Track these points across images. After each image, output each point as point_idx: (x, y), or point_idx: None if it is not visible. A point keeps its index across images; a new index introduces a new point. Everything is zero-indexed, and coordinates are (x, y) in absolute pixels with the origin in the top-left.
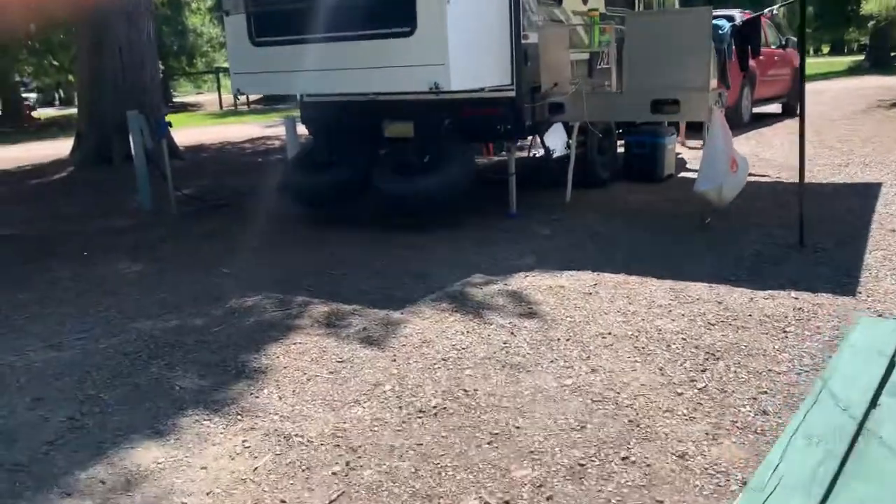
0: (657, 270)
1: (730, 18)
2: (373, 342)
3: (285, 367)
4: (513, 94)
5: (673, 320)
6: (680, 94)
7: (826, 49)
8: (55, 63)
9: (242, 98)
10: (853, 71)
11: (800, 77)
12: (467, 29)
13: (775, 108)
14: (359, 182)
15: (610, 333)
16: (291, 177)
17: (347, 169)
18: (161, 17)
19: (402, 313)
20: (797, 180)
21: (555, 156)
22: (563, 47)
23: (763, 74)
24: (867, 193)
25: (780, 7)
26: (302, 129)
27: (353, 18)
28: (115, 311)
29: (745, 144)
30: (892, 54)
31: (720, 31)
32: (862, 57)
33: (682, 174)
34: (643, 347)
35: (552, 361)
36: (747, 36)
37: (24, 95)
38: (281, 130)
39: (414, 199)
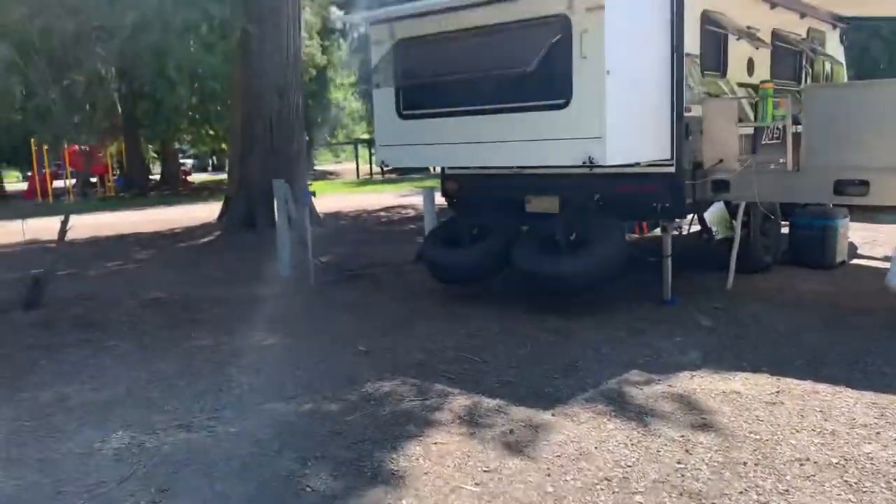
0: (851, 379)
1: None
2: (522, 449)
3: (426, 474)
4: (672, 169)
5: (885, 447)
6: (870, 175)
7: None
8: (211, 132)
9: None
10: None
11: None
12: (626, 100)
13: None
14: (499, 259)
15: (808, 459)
16: (430, 251)
17: (487, 245)
18: (307, 91)
19: (552, 414)
20: None
21: (717, 238)
22: (730, 121)
23: None
24: None
25: None
26: (440, 200)
27: (502, 91)
28: (248, 390)
29: None
30: None
31: None
32: None
33: (855, 261)
34: (855, 483)
35: (742, 493)
36: None
37: (181, 161)
38: (415, 199)
39: (556, 279)
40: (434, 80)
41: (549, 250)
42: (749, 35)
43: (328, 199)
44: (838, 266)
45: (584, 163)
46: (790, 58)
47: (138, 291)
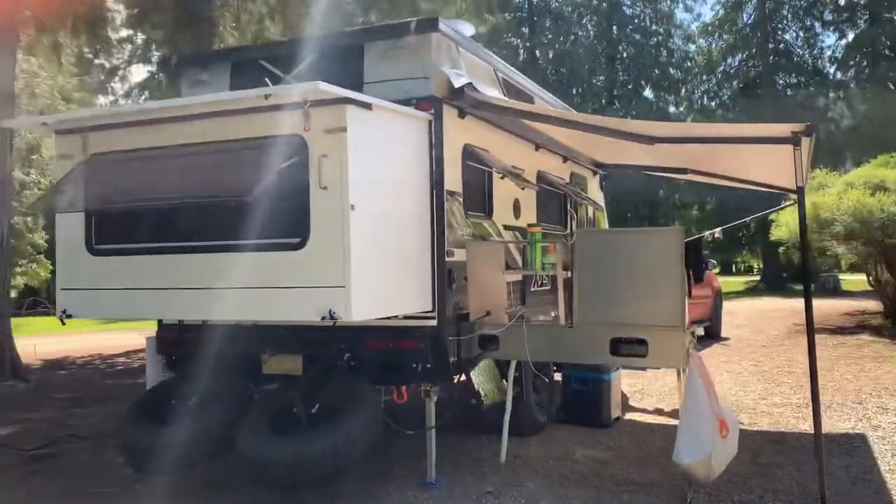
0: None
1: None
2: None
3: None
4: (434, 322)
5: None
6: (647, 333)
7: (717, 269)
8: None
9: None
10: (751, 291)
11: (806, 311)
12: (376, 241)
13: (698, 330)
14: (220, 441)
15: None
16: (126, 430)
17: (205, 421)
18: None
19: None
20: (759, 426)
21: (485, 403)
22: (497, 267)
23: (689, 296)
24: (856, 450)
25: (723, 229)
26: None
27: (224, 225)
28: None
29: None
30: (784, 275)
31: None
32: (754, 277)
33: (629, 415)
34: None
35: None
36: (689, 258)
37: None
38: None
39: (291, 468)
40: (138, 207)
41: (283, 428)
42: (514, 175)
43: (56, 340)
44: (613, 423)
45: (323, 318)
46: (555, 201)
47: None
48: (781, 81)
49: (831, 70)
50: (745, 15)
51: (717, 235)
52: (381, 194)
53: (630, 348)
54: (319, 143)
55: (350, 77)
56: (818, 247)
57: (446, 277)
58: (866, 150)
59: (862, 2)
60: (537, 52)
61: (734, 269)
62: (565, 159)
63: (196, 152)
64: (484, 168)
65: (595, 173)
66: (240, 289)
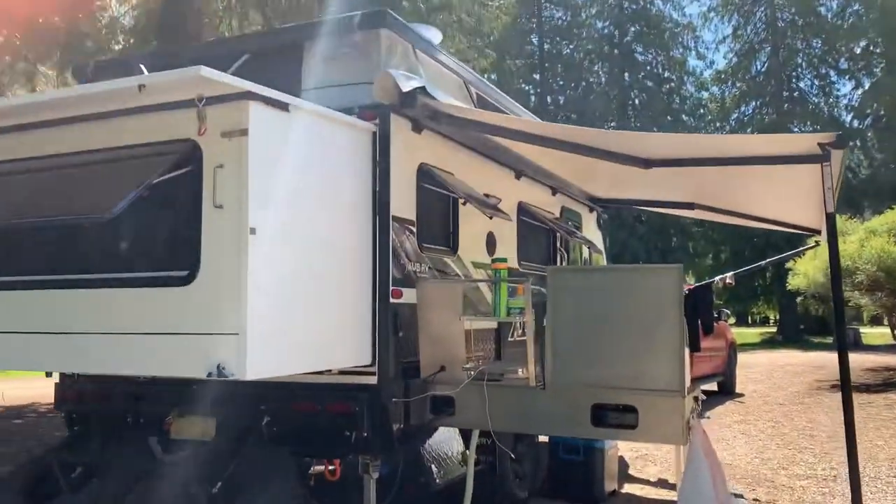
0: None
1: None
2: None
3: None
4: (374, 380)
5: None
6: (638, 399)
7: (732, 320)
8: None
9: None
10: (768, 343)
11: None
12: (287, 275)
13: (710, 385)
14: None
15: None
16: None
17: (87, 499)
18: None
19: None
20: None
21: (438, 481)
22: (454, 312)
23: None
24: None
25: (734, 275)
26: None
27: (94, 253)
28: None
29: None
30: (801, 327)
31: None
32: (770, 328)
33: (628, 486)
34: None
35: None
36: (696, 307)
37: None
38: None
39: None
40: None
41: None
42: (484, 203)
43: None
44: (609, 497)
45: (209, 374)
46: (542, 238)
47: None
48: (796, 129)
49: (847, 118)
50: (758, 63)
51: (728, 281)
52: (298, 217)
53: (616, 417)
54: (215, 149)
55: (286, 82)
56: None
57: (391, 323)
58: (885, 199)
59: (878, 50)
60: (548, 98)
61: (749, 320)
62: (555, 191)
63: (59, 165)
64: (447, 193)
65: (592, 210)
66: (111, 334)
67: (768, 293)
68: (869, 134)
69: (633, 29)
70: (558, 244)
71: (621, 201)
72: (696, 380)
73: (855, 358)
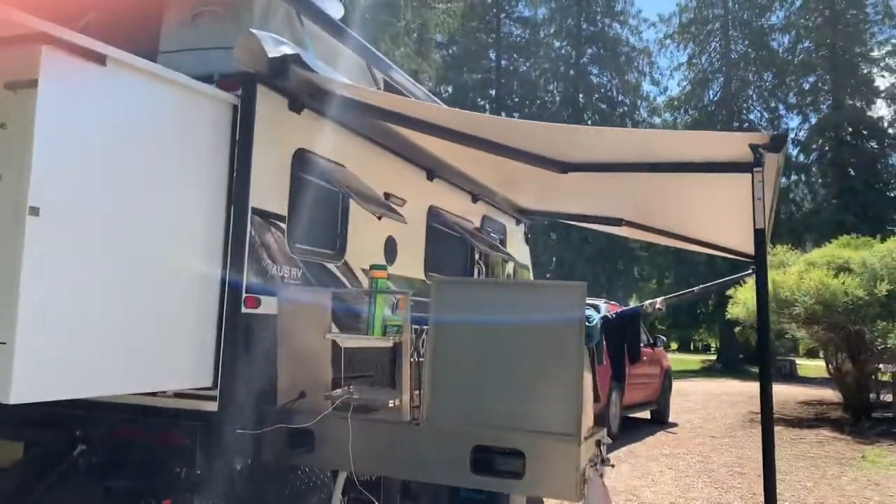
0: None
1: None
2: None
3: None
4: (214, 406)
5: None
6: (527, 442)
7: (675, 346)
8: None
9: None
10: (707, 371)
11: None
12: (89, 272)
13: (644, 413)
14: None
15: None
16: None
17: None
18: None
19: None
20: None
21: None
22: (319, 327)
23: (633, 376)
24: None
25: (665, 300)
26: None
27: None
28: None
29: (617, 473)
30: (741, 356)
31: (588, 323)
32: (711, 356)
33: None
34: None
35: None
36: (623, 333)
37: None
38: None
39: None
40: None
41: None
42: (369, 200)
43: None
44: None
45: None
46: (456, 249)
47: None
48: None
49: (794, 152)
50: (710, 92)
51: (658, 307)
52: (110, 200)
53: (501, 463)
54: None
55: (143, 44)
56: (776, 328)
57: (241, 338)
58: (826, 234)
59: (826, 87)
60: (503, 114)
61: (692, 347)
62: (475, 198)
63: None
64: (331, 187)
65: (519, 222)
66: None
67: (710, 321)
68: (814, 169)
69: (589, 50)
70: (476, 257)
71: (549, 214)
72: (627, 407)
73: (790, 390)
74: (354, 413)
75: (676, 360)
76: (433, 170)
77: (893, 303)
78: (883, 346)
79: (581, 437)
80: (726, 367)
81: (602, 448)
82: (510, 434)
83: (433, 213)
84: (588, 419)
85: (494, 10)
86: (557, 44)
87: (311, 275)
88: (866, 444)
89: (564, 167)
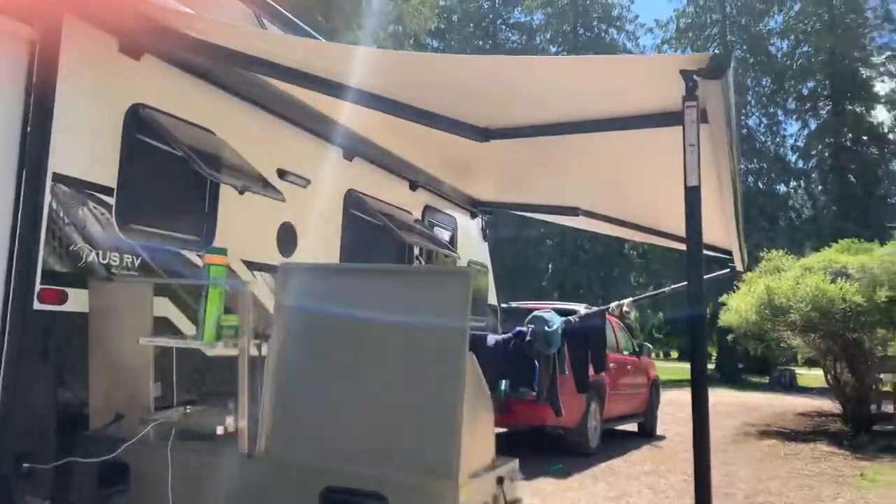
0: None
1: (568, 314)
2: None
3: None
4: None
5: None
6: (389, 483)
7: (675, 354)
8: None
9: None
10: None
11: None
12: None
13: (630, 426)
14: None
15: None
16: None
17: None
18: None
19: None
20: None
21: None
22: (137, 329)
23: (615, 387)
24: None
25: (636, 300)
26: None
27: None
28: None
29: (590, 493)
30: (740, 366)
31: (547, 329)
32: (710, 366)
33: None
34: None
35: None
36: (587, 338)
37: None
38: None
39: None
40: None
41: None
42: (250, 176)
43: None
44: None
45: None
46: (386, 243)
47: None
48: (742, 167)
49: (793, 158)
50: None
51: (625, 309)
52: None
53: None
54: None
55: None
56: (773, 337)
57: (35, 342)
58: (826, 240)
59: (825, 92)
60: None
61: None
62: (415, 186)
63: None
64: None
65: (474, 215)
66: None
67: (709, 329)
68: (813, 175)
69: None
70: (416, 253)
71: (505, 205)
72: (610, 420)
73: (789, 400)
74: (178, 441)
75: (674, 368)
76: (352, 147)
77: (893, 309)
78: (883, 355)
79: (460, 476)
80: (724, 376)
81: (501, 489)
82: (371, 472)
83: (353, 199)
84: (484, 451)
85: (491, 16)
86: (554, 49)
87: (160, 264)
88: (865, 459)
89: (486, 134)
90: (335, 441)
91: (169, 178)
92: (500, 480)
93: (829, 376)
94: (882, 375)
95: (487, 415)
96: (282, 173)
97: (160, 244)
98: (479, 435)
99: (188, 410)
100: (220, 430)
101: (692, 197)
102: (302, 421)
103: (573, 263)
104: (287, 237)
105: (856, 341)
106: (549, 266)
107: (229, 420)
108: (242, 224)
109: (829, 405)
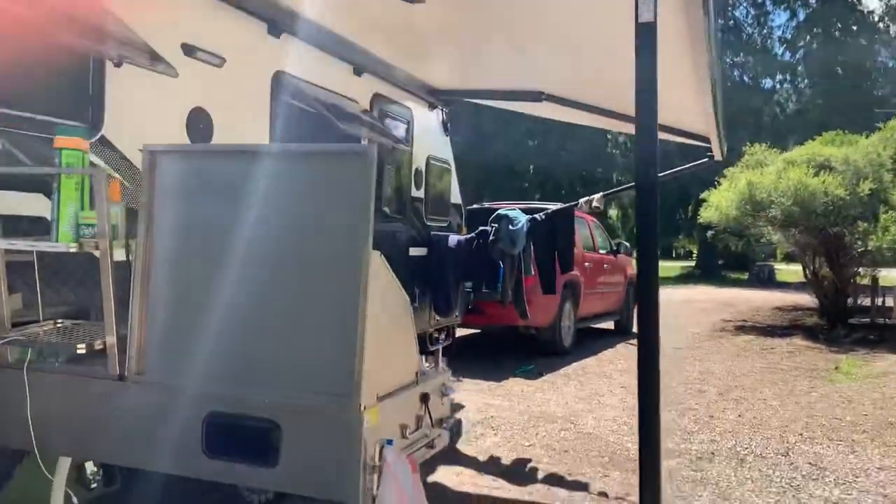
0: None
1: (536, 212)
2: None
3: None
4: None
5: None
6: (281, 408)
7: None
8: None
9: None
10: (685, 278)
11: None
12: None
13: (607, 324)
14: None
15: None
16: None
17: None
18: None
19: None
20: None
21: None
22: None
23: (590, 285)
24: None
25: (606, 195)
26: None
27: None
28: None
29: (560, 394)
30: (720, 262)
31: (511, 227)
32: (691, 263)
33: (441, 472)
34: None
35: None
36: (554, 237)
37: None
38: None
39: None
40: None
41: None
42: (151, 55)
43: None
44: None
45: None
46: (327, 137)
47: None
48: (728, 60)
49: (779, 51)
50: None
51: (595, 204)
52: None
53: (248, 440)
54: None
55: None
56: (753, 233)
57: None
58: (811, 135)
59: None
60: None
61: (674, 254)
62: (359, 71)
63: None
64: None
65: (433, 107)
66: None
67: (689, 227)
68: (799, 68)
69: None
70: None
71: (466, 93)
72: (585, 319)
73: (766, 296)
74: (37, 364)
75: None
76: (279, 21)
77: (876, 202)
78: (863, 249)
79: (364, 397)
80: (705, 273)
81: (430, 405)
82: (260, 396)
83: (283, 84)
84: (403, 368)
85: None
86: None
87: (26, 154)
88: (841, 352)
89: None
90: (219, 361)
91: (29, 49)
92: (424, 398)
93: (807, 271)
94: (860, 269)
95: (405, 324)
96: (188, 49)
97: (26, 129)
98: (393, 349)
99: (59, 326)
100: (81, 349)
101: (644, 41)
102: (178, 337)
103: (555, 164)
104: (200, 125)
105: (836, 236)
106: (531, 167)
107: (98, 338)
108: (140, 108)
109: (807, 300)
